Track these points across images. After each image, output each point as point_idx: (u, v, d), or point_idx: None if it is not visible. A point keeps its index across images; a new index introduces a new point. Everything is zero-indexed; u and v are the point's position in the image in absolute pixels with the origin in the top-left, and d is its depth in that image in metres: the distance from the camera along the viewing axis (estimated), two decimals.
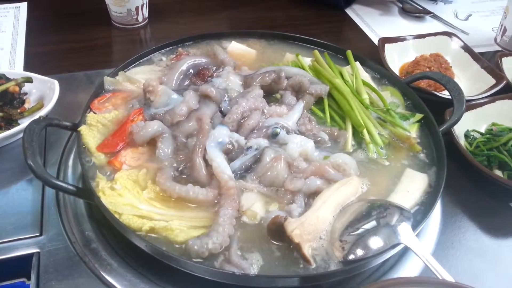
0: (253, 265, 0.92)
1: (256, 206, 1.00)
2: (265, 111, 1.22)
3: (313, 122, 1.24)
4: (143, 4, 1.85)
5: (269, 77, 1.28)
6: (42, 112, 1.29)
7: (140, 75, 1.33)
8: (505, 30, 1.90)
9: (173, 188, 1.00)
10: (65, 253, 1.04)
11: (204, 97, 1.19)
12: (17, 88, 1.32)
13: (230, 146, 1.08)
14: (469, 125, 1.42)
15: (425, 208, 1.06)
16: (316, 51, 1.48)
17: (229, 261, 0.91)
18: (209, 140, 1.07)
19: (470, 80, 1.65)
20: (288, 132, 1.17)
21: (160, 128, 1.10)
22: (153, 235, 0.95)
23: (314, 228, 0.95)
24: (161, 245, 0.93)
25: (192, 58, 1.38)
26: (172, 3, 2.10)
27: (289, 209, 1.00)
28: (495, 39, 1.98)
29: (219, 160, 1.04)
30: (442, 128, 1.24)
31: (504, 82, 1.54)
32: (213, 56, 1.43)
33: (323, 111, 1.31)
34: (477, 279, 1.08)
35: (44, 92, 1.38)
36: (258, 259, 0.94)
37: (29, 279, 1.05)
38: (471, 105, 1.43)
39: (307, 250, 0.91)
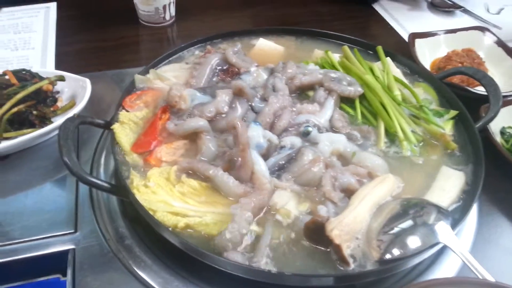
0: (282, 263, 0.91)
1: (290, 204, 0.99)
2: (295, 109, 1.21)
3: (344, 120, 1.22)
4: (170, 2, 1.85)
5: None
6: (75, 110, 1.30)
7: (170, 73, 1.34)
8: None
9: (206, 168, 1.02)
10: (100, 250, 1.05)
11: (237, 94, 1.19)
12: (50, 87, 1.34)
13: (265, 145, 1.08)
14: (504, 121, 1.38)
15: (463, 206, 1.04)
16: (346, 47, 1.45)
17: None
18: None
19: (504, 75, 1.60)
20: (319, 129, 1.16)
21: (205, 124, 1.10)
22: (189, 230, 0.95)
23: (352, 228, 0.93)
24: (196, 242, 0.93)
25: (220, 54, 1.37)
26: (198, 1, 2.10)
27: (322, 209, 0.98)
28: None
29: (261, 163, 1.04)
30: (478, 125, 1.20)
31: None
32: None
33: (354, 107, 1.28)
34: None
35: (76, 90, 1.40)
36: (291, 258, 0.93)
37: (64, 275, 1.07)
38: (506, 101, 1.39)
39: (346, 251, 0.90)
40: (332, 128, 1.19)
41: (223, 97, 1.17)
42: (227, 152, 1.07)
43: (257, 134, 1.08)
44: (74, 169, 0.99)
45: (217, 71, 1.35)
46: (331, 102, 1.24)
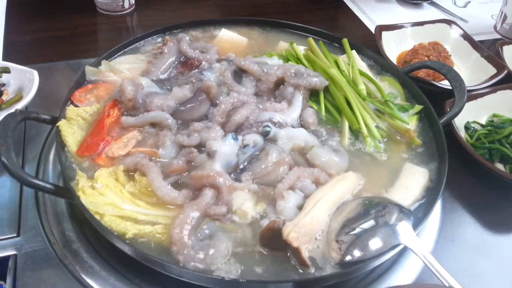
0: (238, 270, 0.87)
1: (247, 205, 0.94)
2: (261, 106, 1.15)
3: (315, 116, 1.18)
4: None
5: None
6: (21, 104, 1.21)
7: (124, 65, 1.26)
8: (505, 18, 1.84)
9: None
10: (44, 255, 0.98)
11: (201, 92, 1.12)
12: None
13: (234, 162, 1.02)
14: (469, 116, 1.37)
15: (426, 205, 1.01)
16: (311, 39, 1.40)
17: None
18: (218, 162, 0.99)
19: (470, 69, 1.59)
20: (281, 127, 1.10)
21: (168, 118, 1.04)
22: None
23: (309, 229, 0.89)
24: (146, 246, 0.87)
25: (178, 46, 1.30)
26: None
27: (279, 207, 0.94)
28: (495, 27, 1.92)
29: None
30: (442, 120, 1.18)
31: (506, 71, 1.49)
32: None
33: (317, 102, 1.24)
34: (478, 277, 1.04)
35: (23, 83, 1.30)
36: (249, 263, 0.88)
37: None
38: (472, 95, 1.38)
39: (305, 254, 0.85)
40: (303, 125, 1.15)
41: (178, 90, 1.11)
42: (191, 154, 1.01)
43: (231, 151, 1.00)
44: (13, 170, 0.91)
45: (176, 63, 1.28)
46: (299, 100, 1.18)
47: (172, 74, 1.27)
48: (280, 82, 1.22)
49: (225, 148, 0.99)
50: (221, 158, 0.98)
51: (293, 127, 1.12)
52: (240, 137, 1.04)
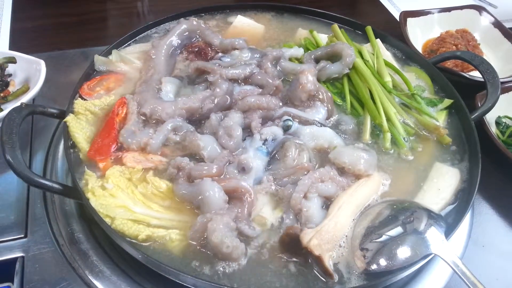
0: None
1: (266, 210, 0.88)
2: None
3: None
4: None
5: None
6: (27, 96, 1.16)
7: (134, 55, 1.19)
8: None
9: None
10: (52, 258, 0.94)
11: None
12: None
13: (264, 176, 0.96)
14: (500, 110, 1.28)
15: (457, 209, 0.94)
16: (336, 26, 1.33)
17: None
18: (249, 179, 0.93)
19: (501, 59, 1.50)
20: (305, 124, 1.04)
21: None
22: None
23: (333, 235, 0.83)
24: (159, 254, 0.82)
25: (187, 24, 1.24)
26: None
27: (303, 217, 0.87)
28: None
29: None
30: (474, 116, 1.10)
31: None
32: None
33: (340, 94, 1.17)
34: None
35: (30, 73, 1.25)
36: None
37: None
38: (503, 88, 1.29)
39: (328, 263, 0.80)
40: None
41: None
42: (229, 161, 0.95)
43: (260, 165, 0.95)
44: (18, 169, 0.86)
45: (178, 47, 1.22)
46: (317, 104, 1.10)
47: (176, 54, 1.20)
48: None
49: (255, 160, 0.94)
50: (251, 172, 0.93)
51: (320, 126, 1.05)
52: (257, 135, 0.98)
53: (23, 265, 0.92)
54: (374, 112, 1.09)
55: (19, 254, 0.94)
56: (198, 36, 1.26)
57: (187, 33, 1.25)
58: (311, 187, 0.89)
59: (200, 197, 0.85)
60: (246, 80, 1.12)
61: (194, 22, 1.26)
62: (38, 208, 1.02)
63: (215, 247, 0.79)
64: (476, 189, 0.95)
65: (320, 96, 1.08)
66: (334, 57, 1.21)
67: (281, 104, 1.08)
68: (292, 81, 1.10)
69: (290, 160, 0.94)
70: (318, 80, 1.14)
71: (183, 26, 1.24)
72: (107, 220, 0.84)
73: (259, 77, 1.11)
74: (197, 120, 1.04)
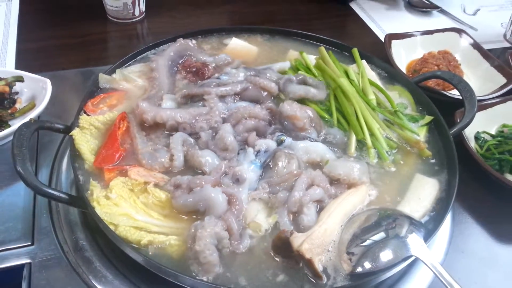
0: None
1: (260, 216, 0.94)
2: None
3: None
4: None
5: None
6: (34, 113, 1.23)
7: (136, 74, 1.27)
8: None
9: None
10: (58, 264, 0.99)
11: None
12: (7, 88, 1.26)
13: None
14: (479, 126, 1.36)
15: (436, 217, 1.01)
16: (323, 48, 1.41)
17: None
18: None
19: (479, 79, 1.59)
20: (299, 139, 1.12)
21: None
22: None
23: (322, 241, 0.90)
24: (160, 258, 0.88)
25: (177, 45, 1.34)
26: None
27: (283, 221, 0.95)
28: (504, 35, 1.92)
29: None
30: (452, 131, 1.18)
31: None
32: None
33: (328, 111, 1.25)
34: None
35: (36, 91, 1.32)
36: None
37: None
38: (481, 105, 1.37)
39: (318, 265, 0.86)
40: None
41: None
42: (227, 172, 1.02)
43: (254, 177, 1.02)
44: (28, 179, 0.92)
45: (175, 63, 1.31)
46: None
47: (182, 82, 1.28)
48: None
49: (249, 172, 1.01)
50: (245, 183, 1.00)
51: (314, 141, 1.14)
52: (251, 149, 1.05)
53: (30, 271, 0.97)
54: (357, 128, 1.17)
55: (26, 261, 0.99)
56: (190, 54, 1.35)
57: (178, 51, 1.34)
58: (305, 196, 0.96)
59: (201, 203, 0.93)
60: (241, 96, 1.20)
61: (182, 41, 1.35)
62: (44, 217, 1.07)
63: (195, 252, 0.86)
64: (454, 198, 1.02)
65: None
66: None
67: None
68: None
69: (281, 169, 1.01)
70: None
71: (176, 44, 1.34)
72: (111, 227, 0.90)
73: (252, 92, 1.19)
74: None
